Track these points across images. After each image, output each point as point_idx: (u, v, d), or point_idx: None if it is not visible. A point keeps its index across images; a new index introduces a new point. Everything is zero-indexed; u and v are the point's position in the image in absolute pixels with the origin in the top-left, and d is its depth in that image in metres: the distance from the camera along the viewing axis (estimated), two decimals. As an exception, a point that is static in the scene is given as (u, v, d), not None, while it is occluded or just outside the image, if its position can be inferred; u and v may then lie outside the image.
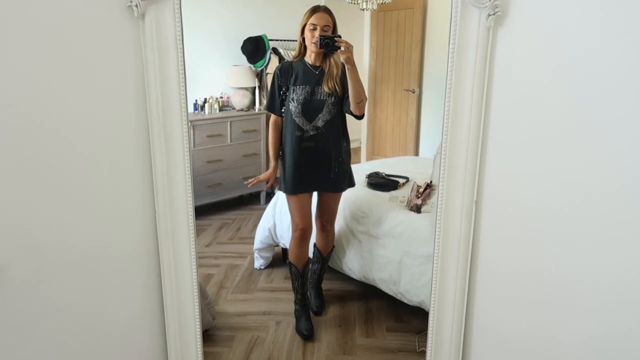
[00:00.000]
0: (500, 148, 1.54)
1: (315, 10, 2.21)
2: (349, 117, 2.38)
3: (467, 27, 1.40)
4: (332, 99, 2.29)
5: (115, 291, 1.66)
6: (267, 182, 2.50)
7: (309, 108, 2.30)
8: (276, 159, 2.46)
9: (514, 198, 1.55)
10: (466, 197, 1.54)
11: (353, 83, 2.19)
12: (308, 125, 2.31)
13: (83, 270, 1.59)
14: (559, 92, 1.41)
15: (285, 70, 2.34)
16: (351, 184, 2.54)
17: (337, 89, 2.27)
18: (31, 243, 1.50)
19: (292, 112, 2.31)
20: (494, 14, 1.37)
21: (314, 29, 2.20)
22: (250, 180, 2.49)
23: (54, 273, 1.55)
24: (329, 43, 2.10)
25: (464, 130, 1.48)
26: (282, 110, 2.38)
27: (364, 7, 3.29)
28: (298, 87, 2.29)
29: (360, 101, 2.25)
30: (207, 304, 2.39)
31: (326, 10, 2.22)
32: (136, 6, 1.40)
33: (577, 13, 1.34)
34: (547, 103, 1.44)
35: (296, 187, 2.40)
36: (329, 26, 2.20)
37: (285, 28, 4.23)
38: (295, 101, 2.30)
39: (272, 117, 2.43)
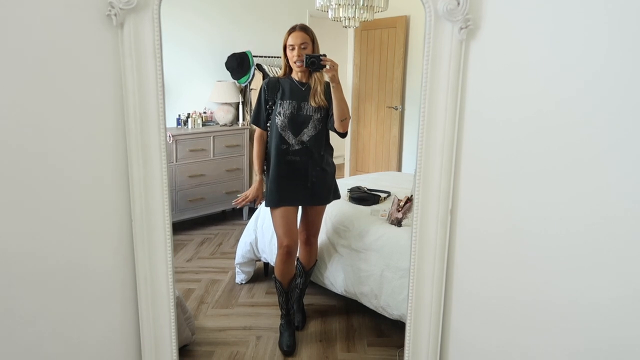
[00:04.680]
0: (474, 158, 1.56)
1: (291, 30, 2.27)
2: (332, 134, 2.41)
3: (440, 40, 1.44)
4: (318, 114, 2.32)
5: (89, 304, 1.63)
6: (255, 201, 2.49)
7: (295, 122, 2.32)
8: (261, 172, 2.47)
9: (489, 206, 1.57)
10: (441, 206, 1.55)
11: (338, 101, 2.23)
12: (293, 139, 2.33)
13: (56, 283, 1.56)
14: (531, 103, 1.45)
15: (273, 86, 2.37)
16: (336, 196, 2.56)
17: (323, 103, 2.31)
18: (1, 255, 1.47)
19: (278, 126, 2.33)
20: (466, 28, 1.40)
21: (293, 49, 2.26)
22: (237, 200, 2.48)
23: (26, 285, 1.52)
24: (315, 62, 2.13)
25: (439, 138, 1.51)
26: (268, 124, 2.40)
27: (347, 24, 3.34)
28: (285, 101, 2.32)
29: (345, 119, 2.30)
30: (186, 319, 2.36)
31: (302, 28, 2.27)
32: (115, 15, 1.41)
33: (550, 27, 1.38)
34: (519, 115, 1.47)
35: (280, 201, 2.40)
36: (306, 43, 2.25)
37: (270, 45, 4.28)
38: (281, 115, 2.32)
39: (257, 130, 2.44)
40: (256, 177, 2.48)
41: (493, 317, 1.63)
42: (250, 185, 4.16)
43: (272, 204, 2.42)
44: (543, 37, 1.39)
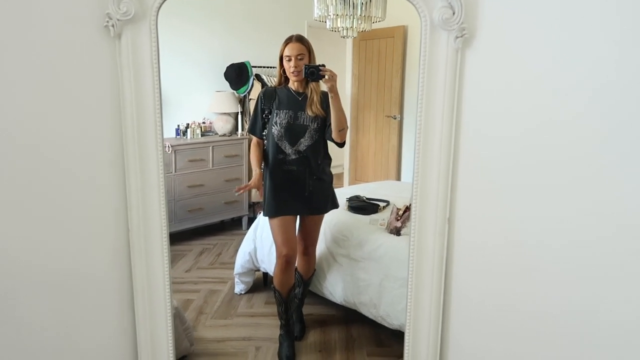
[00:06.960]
0: (472, 167, 1.57)
1: (288, 41, 2.26)
2: (330, 144, 2.40)
3: (436, 49, 1.44)
4: (315, 124, 2.32)
5: (85, 313, 1.63)
6: (255, 192, 2.43)
7: (292, 132, 2.33)
8: (259, 167, 2.44)
9: (486, 216, 1.57)
10: (439, 215, 1.55)
11: (336, 111, 2.23)
12: (290, 149, 2.33)
13: (53, 290, 1.56)
14: (527, 111, 1.45)
15: (269, 95, 2.37)
16: (334, 206, 2.55)
17: (320, 112, 2.31)
18: (3, 263, 1.47)
19: (275, 136, 2.33)
20: (461, 36, 1.41)
21: (289, 60, 2.26)
22: (238, 187, 2.38)
23: (23, 292, 1.51)
24: (314, 72, 2.14)
25: (436, 147, 1.51)
26: (264, 133, 2.40)
27: (345, 34, 3.36)
28: (281, 111, 2.32)
29: (342, 129, 2.29)
30: (185, 330, 2.34)
31: (299, 39, 2.27)
32: (112, 26, 1.42)
33: (542, 35, 1.39)
34: (516, 124, 1.47)
35: (278, 210, 2.40)
36: (303, 54, 2.25)
37: (268, 55, 4.29)
38: (278, 125, 2.32)
39: (254, 139, 2.45)
40: (255, 171, 2.42)
41: (492, 326, 1.62)
42: (249, 195, 4.17)
43: (270, 214, 2.41)
44: (538, 45, 1.40)
